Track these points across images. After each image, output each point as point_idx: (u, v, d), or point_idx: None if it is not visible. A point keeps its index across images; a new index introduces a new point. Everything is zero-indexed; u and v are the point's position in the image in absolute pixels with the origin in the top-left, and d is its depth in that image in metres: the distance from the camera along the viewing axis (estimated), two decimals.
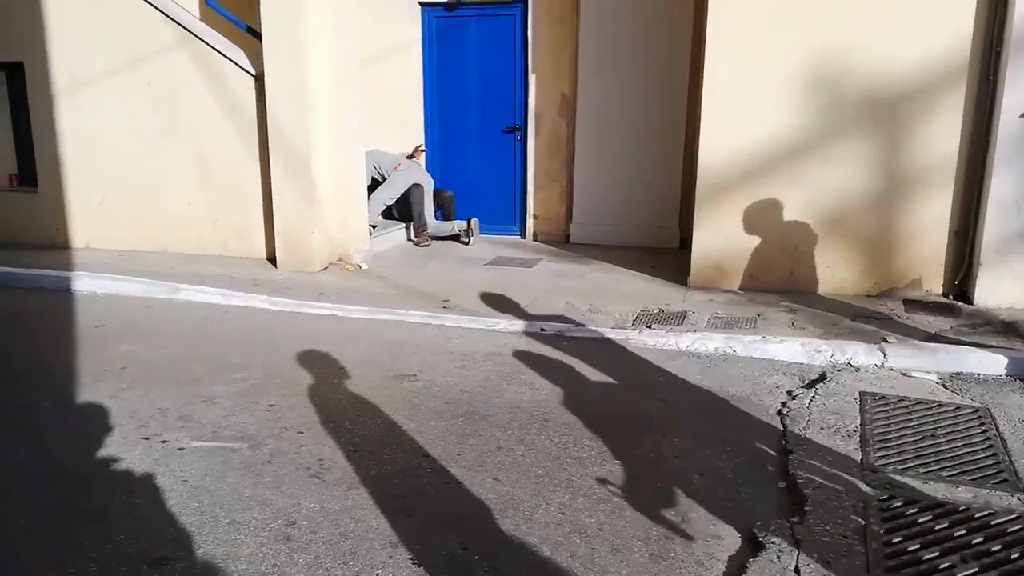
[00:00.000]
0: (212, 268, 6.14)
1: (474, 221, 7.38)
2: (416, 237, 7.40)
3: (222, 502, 2.78)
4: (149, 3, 6.44)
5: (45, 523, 2.65)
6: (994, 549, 2.48)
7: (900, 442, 3.25)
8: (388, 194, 7.38)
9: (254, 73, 6.29)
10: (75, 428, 3.43)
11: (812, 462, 3.06)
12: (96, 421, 3.46)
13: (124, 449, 3.19)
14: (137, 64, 6.57)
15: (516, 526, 2.63)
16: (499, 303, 5.26)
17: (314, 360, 4.27)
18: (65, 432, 3.39)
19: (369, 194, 6.94)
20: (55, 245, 7.12)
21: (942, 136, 5.08)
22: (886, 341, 4.36)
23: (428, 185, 7.42)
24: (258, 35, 6.20)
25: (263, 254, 6.52)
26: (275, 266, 6.27)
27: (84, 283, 5.91)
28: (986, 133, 4.97)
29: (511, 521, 2.66)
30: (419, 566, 2.41)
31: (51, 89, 6.85)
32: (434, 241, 7.40)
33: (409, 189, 7.30)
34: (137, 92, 6.61)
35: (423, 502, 2.79)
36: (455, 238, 7.47)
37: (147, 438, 3.30)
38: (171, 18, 6.42)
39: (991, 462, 3.08)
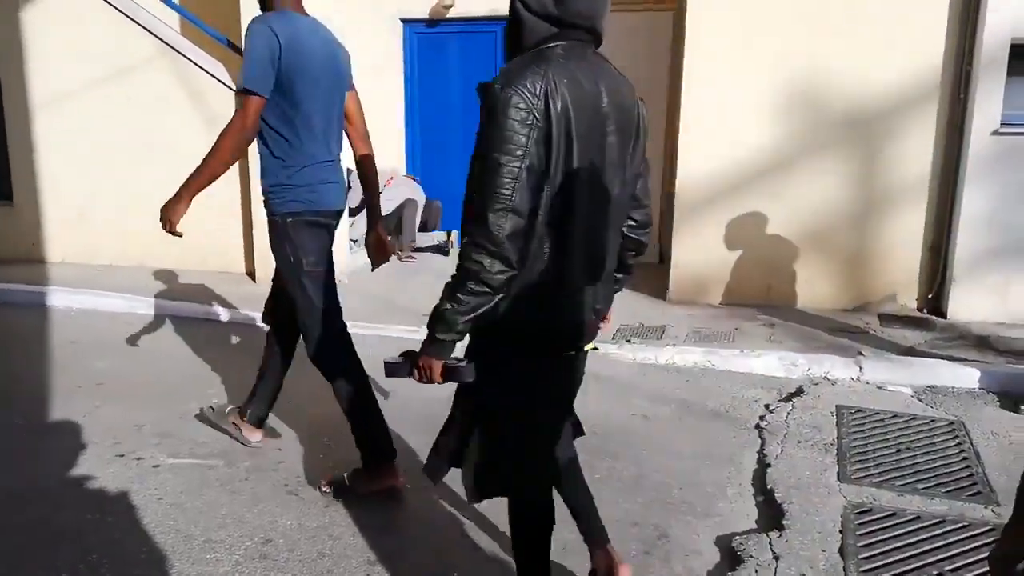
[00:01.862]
0: (190, 283, 6.09)
1: (454, 234, 7.37)
2: (401, 251, 7.31)
3: (198, 520, 2.75)
4: (130, 18, 6.42)
5: (17, 542, 2.60)
6: (969, 562, 2.51)
7: (876, 455, 3.28)
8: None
9: (235, 88, 6.28)
10: (48, 445, 3.38)
11: (790, 475, 3.09)
12: (70, 438, 3.41)
13: (99, 467, 3.15)
14: (117, 78, 6.53)
15: (497, 542, 2.62)
16: None
17: (292, 376, 4.23)
18: (38, 450, 3.33)
19: (358, 210, 6.83)
20: (31, 259, 7.03)
21: (916, 154, 5.18)
22: (862, 355, 4.41)
23: (420, 200, 7.32)
24: (239, 50, 6.20)
25: (242, 269, 6.48)
26: (254, 281, 6.23)
27: (60, 298, 5.83)
28: (958, 150, 5.08)
29: (491, 537, 2.65)
30: None
31: (28, 103, 6.79)
32: (415, 253, 7.36)
33: (403, 204, 7.17)
34: (117, 106, 6.57)
35: (402, 519, 2.77)
36: (436, 249, 7.46)
37: (122, 455, 3.26)
38: (152, 33, 6.40)
39: (965, 475, 3.12)
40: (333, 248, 2.97)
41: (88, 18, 6.51)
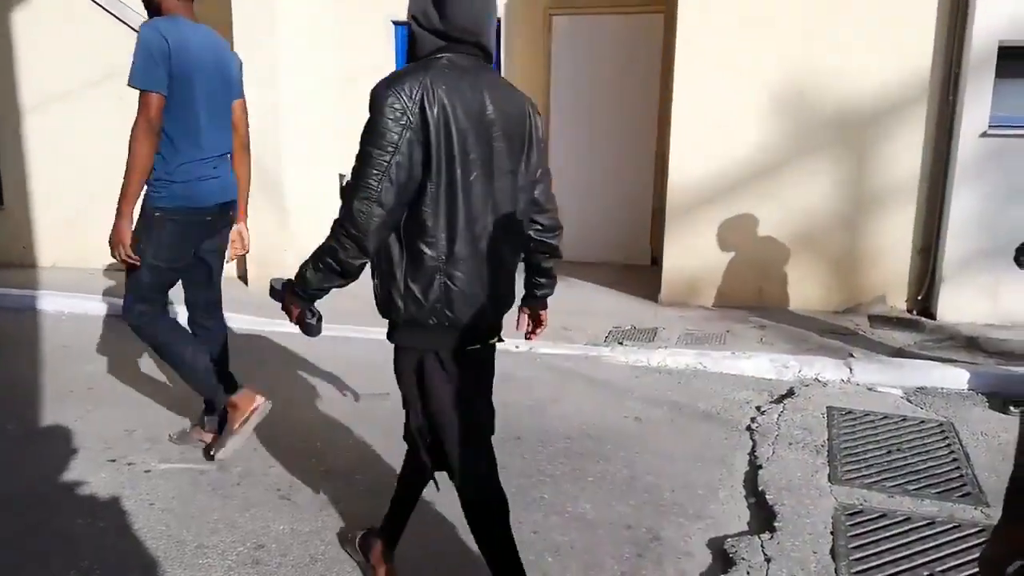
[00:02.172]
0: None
1: None
2: None
3: (190, 525, 2.74)
4: (121, 20, 6.40)
5: (7, 548, 2.59)
6: (959, 563, 2.53)
7: (867, 457, 3.30)
8: None
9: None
10: (40, 450, 3.36)
11: (781, 477, 3.10)
12: (61, 443, 3.40)
13: (90, 471, 3.14)
14: (109, 81, 6.51)
15: None
16: None
17: (283, 380, 4.23)
18: (29, 455, 3.32)
19: None
20: (22, 264, 7.00)
21: (905, 156, 5.21)
22: (852, 356, 4.43)
23: None
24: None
25: (234, 272, 6.47)
26: (246, 285, 6.22)
27: (50, 302, 5.81)
28: (947, 152, 5.11)
29: None
30: None
31: (19, 105, 6.76)
32: None
33: None
34: (108, 110, 6.54)
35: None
36: None
37: (113, 460, 3.25)
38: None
39: (955, 476, 3.14)
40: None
41: (79, 20, 6.49)
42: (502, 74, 7.23)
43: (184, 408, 3.80)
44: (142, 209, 3.00)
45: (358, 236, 1.81)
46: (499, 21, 7.13)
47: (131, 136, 2.83)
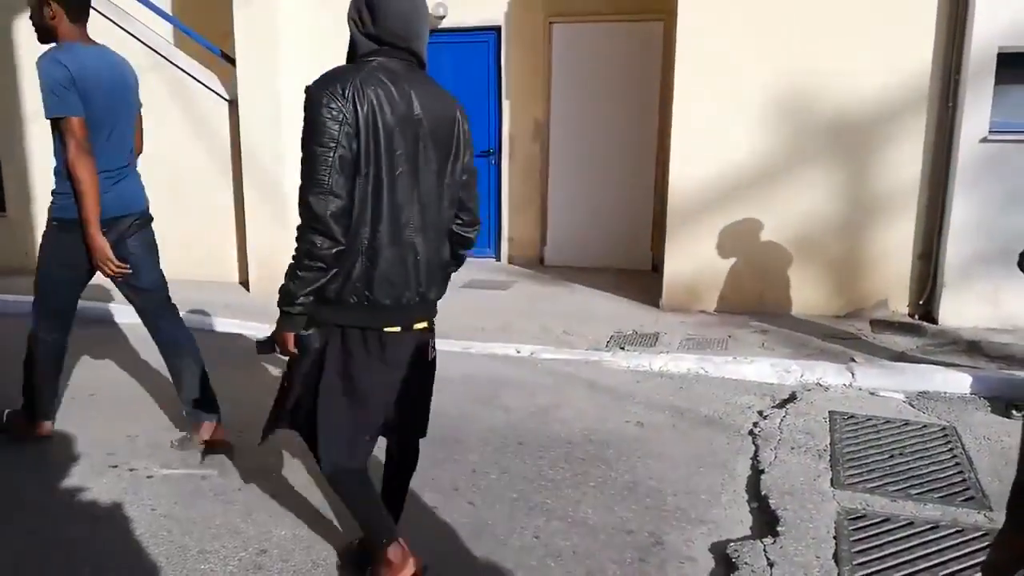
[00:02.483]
0: (184, 292, 6.04)
1: None
2: None
3: (192, 531, 2.74)
4: (122, 28, 6.43)
5: (9, 555, 2.59)
6: (963, 567, 2.52)
7: (869, 461, 3.29)
8: None
9: (228, 98, 6.29)
10: (41, 457, 3.36)
11: (784, 482, 3.10)
12: (62, 449, 3.40)
13: (91, 478, 3.13)
14: None
15: (491, 551, 2.62)
16: (474, 326, 5.27)
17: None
18: (30, 461, 3.32)
19: None
20: (23, 270, 7.01)
21: (905, 161, 5.22)
22: (854, 361, 4.43)
23: None
24: (232, 60, 6.22)
25: (236, 278, 6.48)
26: (248, 290, 6.23)
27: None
28: (947, 158, 5.12)
29: (485, 546, 2.65)
30: None
31: (21, 112, 6.79)
32: None
33: None
34: None
35: (397, 529, 2.76)
36: None
37: (115, 466, 3.24)
38: (144, 43, 6.41)
39: (958, 480, 3.13)
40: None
41: None
42: (502, 84, 7.26)
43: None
44: (46, 224, 3.22)
45: (323, 227, 1.92)
46: (499, 29, 7.17)
47: (70, 165, 2.97)
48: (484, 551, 2.62)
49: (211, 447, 3.35)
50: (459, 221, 2.27)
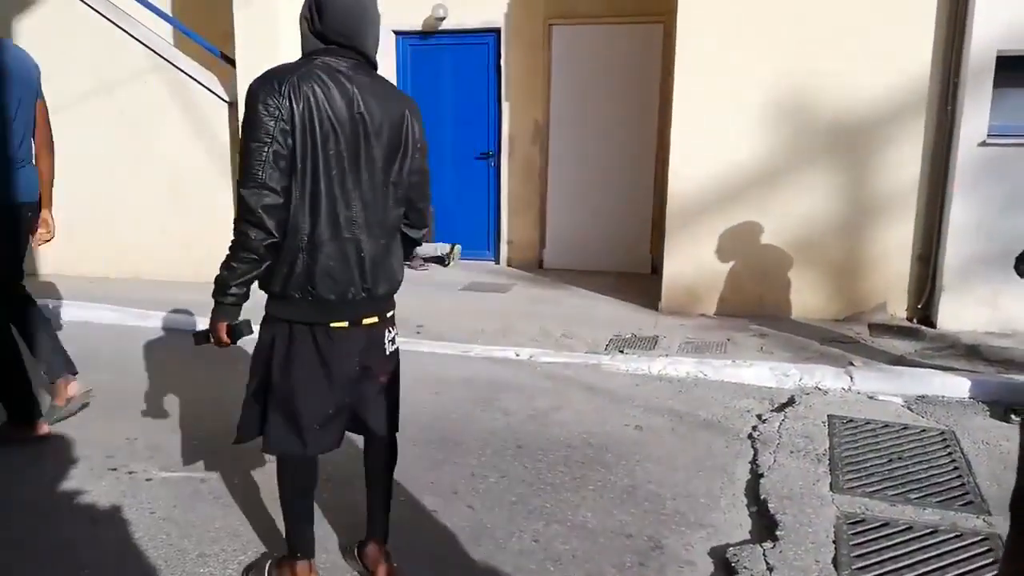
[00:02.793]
0: (184, 295, 6.07)
1: (457, 247, 7.42)
2: (411, 261, 7.31)
3: (191, 534, 2.74)
4: (122, 29, 6.43)
5: (7, 558, 2.59)
6: (962, 572, 2.53)
7: (868, 465, 3.30)
8: None
9: (228, 100, 6.29)
10: (40, 459, 3.36)
11: (783, 486, 3.10)
12: (61, 451, 3.39)
13: (90, 480, 3.13)
14: (109, 90, 6.54)
15: (490, 554, 2.62)
16: (474, 328, 5.27)
17: None
18: (30, 463, 3.32)
19: None
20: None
21: (904, 164, 5.23)
22: (853, 365, 4.43)
23: None
24: (232, 62, 6.22)
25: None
26: None
27: (51, 311, 5.81)
28: (945, 161, 5.13)
29: (485, 549, 2.65)
30: None
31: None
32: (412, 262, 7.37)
33: None
34: (109, 118, 6.57)
35: (395, 531, 2.76)
36: (438, 260, 7.48)
37: (114, 469, 3.24)
38: (144, 44, 6.41)
39: (956, 484, 3.13)
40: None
41: (82, 31, 6.51)
42: (501, 86, 7.26)
43: (186, 417, 3.80)
44: None
45: (255, 220, 1.98)
46: (499, 30, 7.17)
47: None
48: (483, 555, 2.62)
49: (74, 402, 3.63)
50: (406, 221, 2.30)
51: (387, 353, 2.30)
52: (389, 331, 2.30)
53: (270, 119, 1.95)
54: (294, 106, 1.97)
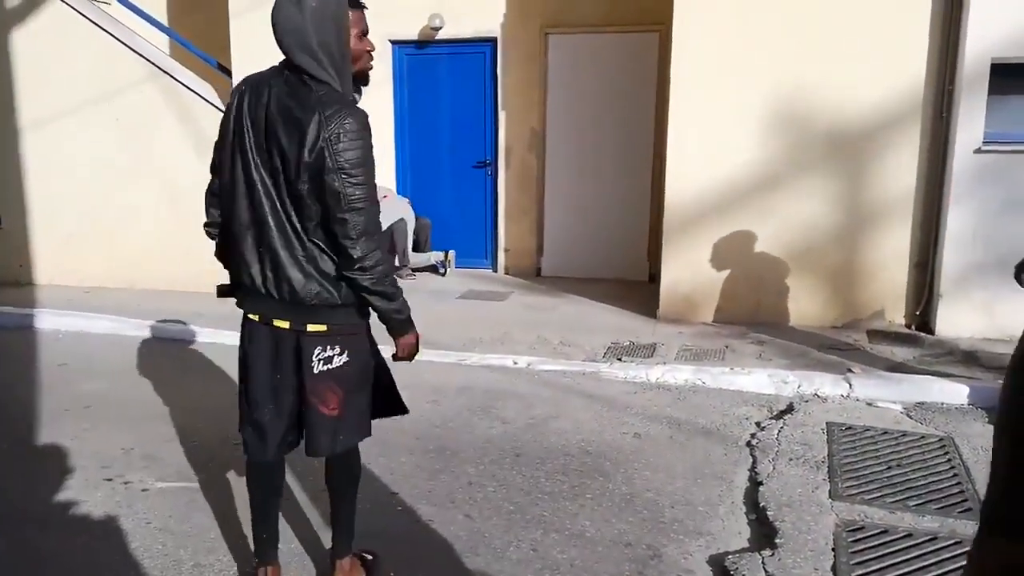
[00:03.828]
0: (180, 304, 6.06)
1: (451, 253, 7.41)
2: (399, 271, 7.27)
3: (186, 544, 2.72)
4: (118, 39, 6.44)
5: (4, 566, 2.57)
6: None
7: (867, 472, 3.29)
8: None
9: (224, 109, 6.30)
10: (35, 469, 3.34)
11: (782, 493, 3.09)
12: (57, 462, 3.38)
13: (86, 491, 3.11)
14: (106, 99, 6.54)
15: (487, 564, 2.61)
16: (471, 337, 5.26)
17: None
18: (24, 473, 3.30)
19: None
20: (18, 282, 6.99)
21: (901, 171, 5.24)
22: (851, 372, 4.43)
23: (411, 219, 7.33)
24: (228, 72, 6.23)
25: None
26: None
27: (47, 320, 5.79)
28: (942, 168, 5.14)
29: (482, 559, 2.64)
30: None
31: (17, 124, 6.79)
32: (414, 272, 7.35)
33: (395, 224, 7.16)
34: (106, 127, 6.57)
35: (393, 541, 2.75)
36: (432, 269, 7.46)
37: (110, 479, 3.22)
38: (140, 54, 6.43)
39: (956, 491, 3.13)
40: None
41: (78, 40, 6.52)
42: (498, 94, 7.27)
43: (182, 426, 3.79)
44: None
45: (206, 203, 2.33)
46: (495, 40, 7.19)
47: None
48: (481, 564, 2.61)
49: None
50: (335, 231, 2.07)
51: (315, 372, 2.15)
52: (322, 349, 2.15)
53: (224, 121, 2.21)
54: (230, 111, 2.17)
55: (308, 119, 2.01)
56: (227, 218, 2.20)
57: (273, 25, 2.11)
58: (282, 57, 2.17)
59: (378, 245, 2.11)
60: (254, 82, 2.16)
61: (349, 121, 2.00)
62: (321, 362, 2.16)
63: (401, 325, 2.22)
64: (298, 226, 2.11)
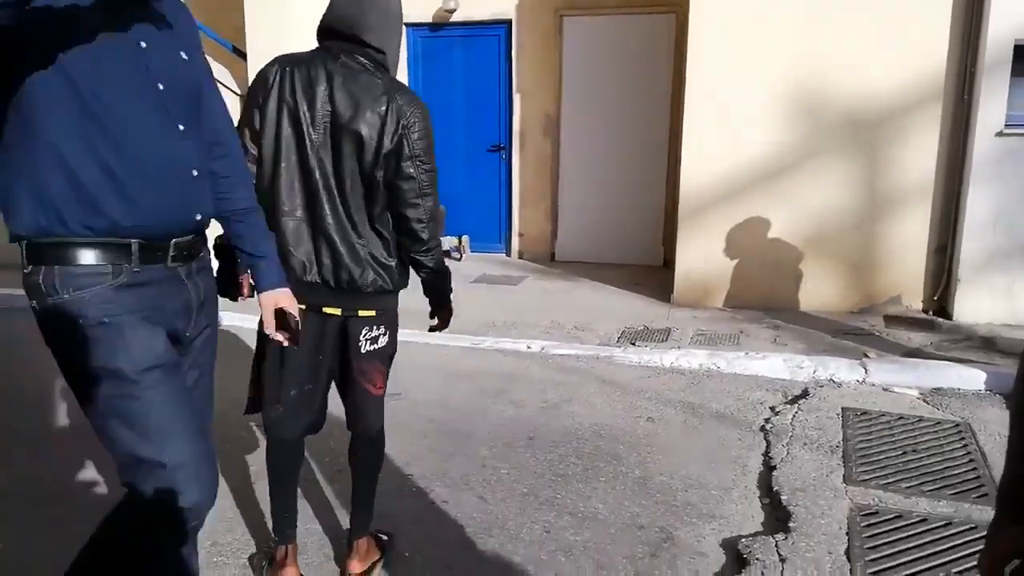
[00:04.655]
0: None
1: (465, 238, 7.42)
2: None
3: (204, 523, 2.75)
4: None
5: (30, 548, 2.62)
6: (976, 564, 2.50)
7: (882, 457, 3.27)
8: None
9: (240, 93, 6.31)
10: (53, 450, 3.39)
11: (796, 478, 3.08)
12: (74, 442, 3.42)
13: (106, 470, 3.16)
14: None
15: (501, 545, 2.63)
16: (485, 321, 5.27)
17: None
18: (42, 454, 3.35)
19: None
20: None
21: (920, 155, 5.17)
22: (867, 357, 4.40)
23: None
24: (244, 55, 6.23)
25: None
26: None
27: None
28: (962, 152, 5.07)
29: (496, 540, 2.66)
30: None
31: None
32: None
33: None
34: None
35: (407, 522, 2.78)
36: (446, 254, 7.48)
37: None
38: None
39: (972, 476, 3.11)
40: None
41: None
42: (512, 78, 7.24)
43: None
44: None
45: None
46: (510, 22, 7.15)
47: None
48: (494, 545, 2.63)
49: None
50: (399, 233, 2.21)
51: (362, 351, 2.23)
52: (369, 329, 2.22)
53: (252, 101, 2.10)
54: (274, 87, 2.06)
55: (386, 107, 2.08)
56: (267, 206, 2.08)
57: (337, 9, 2.10)
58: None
59: (438, 228, 2.23)
60: (296, 63, 2.08)
61: (421, 110, 2.16)
62: (368, 342, 2.23)
63: (447, 299, 2.38)
64: (355, 213, 2.13)
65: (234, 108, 6.33)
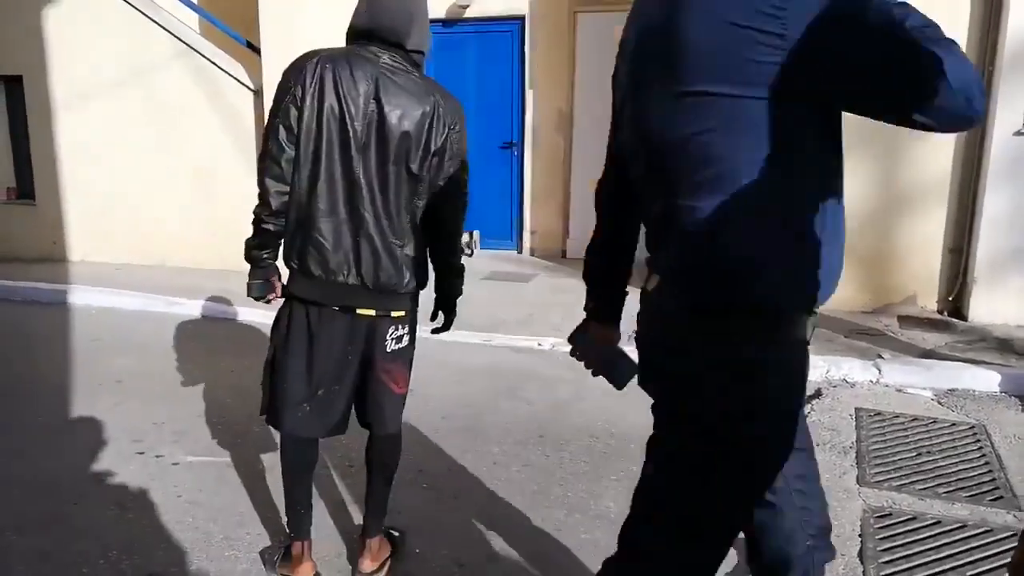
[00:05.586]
0: (209, 282, 6.13)
1: (476, 233, 7.42)
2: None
3: (216, 518, 2.77)
4: (149, 18, 6.48)
5: (37, 539, 2.63)
6: (991, 567, 2.48)
7: (896, 459, 3.25)
8: None
9: (253, 88, 6.33)
10: (69, 442, 3.42)
11: None
12: (90, 435, 3.45)
13: (118, 464, 3.18)
14: (136, 78, 6.60)
15: (511, 543, 2.62)
16: (496, 317, 5.26)
17: None
18: (59, 446, 3.37)
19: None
20: (52, 258, 7.12)
21: (937, 154, 5.12)
22: (881, 357, 4.37)
23: None
24: (257, 50, 6.25)
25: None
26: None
27: (80, 296, 5.90)
28: (979, 151, 5.02)
29: (506, 538, 2.65)
30: None
31: (50, 102, 6.88)
32: None
33: None
34: (136, 106, 6.64)
35: (417, 518, 2.78)
36: None
37: (142, 453, 3.29)
38: (171, 33, 6.46)
39: (987, 479, 3.08)
40: None
41: (109, 19, 6.58)
42: (525, 74, 7.22)
43: (212, 402, 3.85)
44: None
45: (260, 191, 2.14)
46: (523, 18, 7.13)
47: None
48: (504, 543, 2.62)
49: None
50: (437, 234, 2.27)
51: (388, 350, 2.23)
52: (395, 328, 2.23)
53: (286, 96, 2.03)
54: (313, 85, 2.00)
55: (432, 107, 2.09)
56: (303, 205, 2.06)
57: (383, 19, 2.11)
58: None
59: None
60: (336, 60, 2.04)
61: (462, 111, 2.18)
62: (394, 341, 2.23)
63: (456, 301, 2.41)
64: (395, 214, 2.11)
65: (247, 104, 6.36)
